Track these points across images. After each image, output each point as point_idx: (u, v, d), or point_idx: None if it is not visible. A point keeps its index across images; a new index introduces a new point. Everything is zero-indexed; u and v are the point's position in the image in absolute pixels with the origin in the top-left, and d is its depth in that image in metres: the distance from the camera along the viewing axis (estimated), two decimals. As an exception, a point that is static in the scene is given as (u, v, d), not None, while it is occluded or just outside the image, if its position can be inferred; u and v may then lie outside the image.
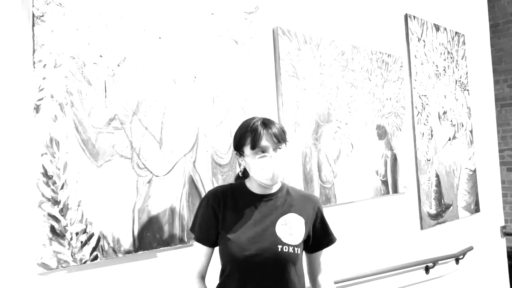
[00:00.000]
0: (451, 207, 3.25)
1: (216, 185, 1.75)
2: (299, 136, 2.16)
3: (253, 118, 1.44)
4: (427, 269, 2.89)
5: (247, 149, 1.39)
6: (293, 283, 1.39)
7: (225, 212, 1.40)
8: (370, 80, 2.63)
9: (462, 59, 3.57)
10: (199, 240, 1.42)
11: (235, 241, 1.36)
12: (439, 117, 3.25)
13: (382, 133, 2.70)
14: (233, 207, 1.41)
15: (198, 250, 1.42)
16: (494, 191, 3.85)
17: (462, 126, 3.50)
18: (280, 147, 1.40)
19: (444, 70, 3.35)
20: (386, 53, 2.77)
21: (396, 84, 2.84)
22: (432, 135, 3.15)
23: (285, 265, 1.37)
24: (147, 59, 1.59)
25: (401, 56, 2.90)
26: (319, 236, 1.51)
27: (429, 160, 3.09)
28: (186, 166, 1.66)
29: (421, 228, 2.95)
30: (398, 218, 2.77)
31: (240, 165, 1.46)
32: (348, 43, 2.49)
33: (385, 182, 2.66)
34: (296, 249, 1.39)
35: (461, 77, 3.54)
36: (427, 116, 3.12)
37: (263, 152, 1.37)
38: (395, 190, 2.74)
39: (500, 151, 5.49)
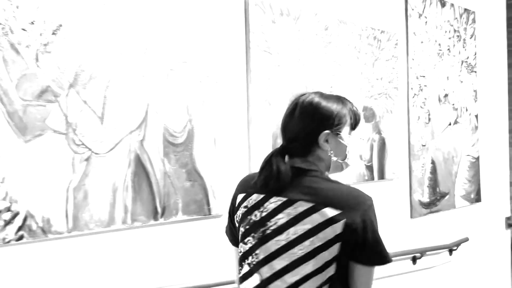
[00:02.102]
0: (447, 196, 3.08)
1: (168, 165, 1.65)
2: (270, 115, 2.02)
3: (337, 95, 1.35)
4: (414, 260, 2.75)
5: (348, 130, 1.27)
6: None
7: None
8: (358, 58, 2.46)
9: (471, 38, 3.33)
10: None
11: None
12: (439, 100, 3.05)
13: (369, 115, 2.53)
14: None
15: None
16: (500, 181, 3.64)
17: (466, 110, 3.28)
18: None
19: (448, 49, 3.13)
20: (379, 30, 2.57)
21: (390, 63, 2.65)
22: (429, 119, 2.96)
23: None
24: (88, 26, 1.47)
25: (396, 33, 2.70)
26: None
27: (425, 145, 2.91)
28: (133, 144, 1.56)
29: (411, 217, 2.80)
30: (384, 206, 2.62)
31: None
32: (333, 17, 2.32)
33: (369, 168, 2.51)
34: None
35: (468, 57, 3.30)
36: (425, 98, 2.93)
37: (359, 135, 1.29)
38: (382, 176, 2.58)
39: (515, 138, 5.21)
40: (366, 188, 2.53)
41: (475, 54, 3.37)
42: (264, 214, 1.19)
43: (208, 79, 1.78)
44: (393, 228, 2.68)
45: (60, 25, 1.41)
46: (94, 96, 1.48)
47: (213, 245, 1.82)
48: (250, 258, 1.21)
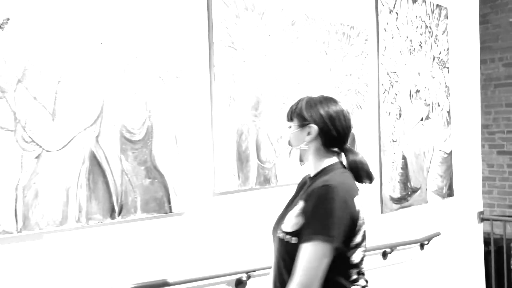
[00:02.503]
0: (418, 191, 3.10)
1: (125, 163, 1.62)
2: (234, 112, 2.00)
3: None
4: (384, 255, 2.77)
5: None
6: (281, 275, 1.35)
7: None
8: (327, 54, 2.45)
9: (443, 34, 3.35)
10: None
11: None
12: (411, 96, 3.06)
13: (339, 111, 2.52)
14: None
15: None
16: (473, 175, 3.67)
17: (438, 106, 3.30)
18: (289, 125, 1.44)
19: (420, 45, 3.14)
20: (348, 25, 2.57)
21: (359, 59, 2.64)
22: (400, 115, 2.97)
23: (283, 253, 1.34)
24: (39, 19, 1.43)
25: (366, 29, 2.70)
26: (302, 227, 1.30)
27: (395, 141, 2.92)
28: (87, 141, 1.52)
29: (382, 212, 2.81)
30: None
31: None
32: (301, 13, 2.30)
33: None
34: (285, 236, 1.32)
35: (440, 53, 3.32)
36: (396, 94, 2.94)
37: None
38: (352, 172, 2.58)
39: (490, 133, 5.28)
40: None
41: (447, 50, 3.39)
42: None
43: (168, 74, 1.75)
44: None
45: (8, 19, 1.37)
46: (45, 92, 1.44)
47: (175, 244, 1.80)
48: (361, 265, 1.36)
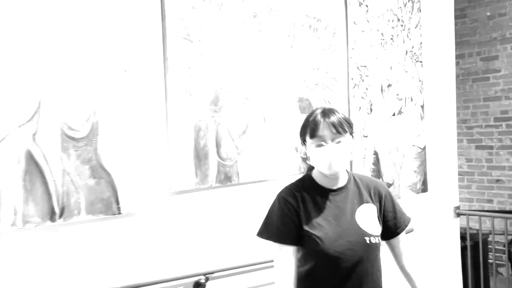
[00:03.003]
0: (391, 187, 3.04)
1: (67, 162, 1.52)
2: (191, 107, 1.91)
3: (318, 107, 1.51)
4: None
5: (307, 139, 1.44)
6: (378, 271, 1.48)
7: (305, 207, 1.43)
8: (292, 47, 2.37)
9: (416, 27, 3.29)
10: (283, 240, 1.40)
11: (324, 237, 1.38)
12: (382, 90, 3.00)
13: (306, 106, 2.45)
14: (311, 202, 1.44)
15: (284, 253, 1.40)
16: (449, 170, 3.64)
17: (412, 100, 3.25)
18: (339, 137, 1.41)
19: (391, 39, 3.08)
20: (315, 18, 2.49)
21: (327, 53, 2.57)
22: (371, 110, 2.91)
23: (375, 257, 1.45)
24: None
25: (335, 21, 2.63)
26: (394, 220, 1.52)
27: (366, 136, 2.86)
28: (22, 140, 1.43)
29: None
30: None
31: (306, 154, 1.50)
32: (263, 4, 2.22)
33: (306, 160, 2.44)
34: (379, 239, 1.47)
35: (413, 47, 3.27)
36: (366, 89, 2.87)
37: (321, 141, 1.40)
38: (320, 169, 2.51)
39: (469, 128, 5.27)
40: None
41: (421, 43, 3.34)
42: None
43: (115, 68, 1.66)
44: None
45: None
46: (-27, 87, 1.34)
47: (126, 246, 1.71)
48: None
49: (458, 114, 4.62)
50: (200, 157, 1.93)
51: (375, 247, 1.44)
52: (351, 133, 1.47)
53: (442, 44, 3.56)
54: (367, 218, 1.46)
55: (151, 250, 1.78)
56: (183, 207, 1.89)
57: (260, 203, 2.21)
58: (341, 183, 1.48)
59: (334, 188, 1.47)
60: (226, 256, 2.00)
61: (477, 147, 5.27)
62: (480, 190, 5.24)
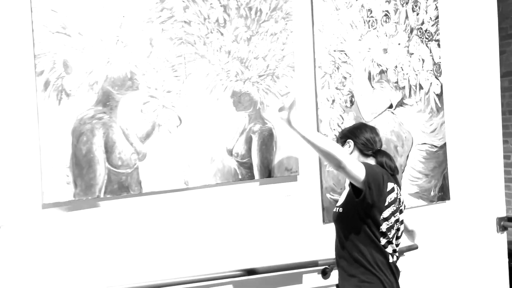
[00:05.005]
0: (385, 195, 2.52)
1: None
2: (69, 109, 1.72)
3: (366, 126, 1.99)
4: (324, 273, 2.28)
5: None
6: (341, 243, 1.81)
7: None
8: (222, 34, 2.04)
9: (428, -1, 2.69)
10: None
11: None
12: (371, 78, 2.49)
13: (244, 102, 2.10)
14: None
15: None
16: (489, 174, 2.93)
17: (422, 88, 2.67)
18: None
19: (386, 15, 2.54)
20: (256, -3, 2.12)
21: (279, 38, 2.18)
22: (352, 102, 2.43)
23: (342, 226, 1.81)
24: None
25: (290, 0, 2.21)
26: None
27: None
28: None
29: (324, 222, 2.31)
30: (275, 210, 2.19)
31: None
32: (176, -14, 1.93)
33: (245, 164, 2.09)
34: (341, 209, 1.82)
35: (423, 23, 2.67)
36: (344, 78, 2.40)
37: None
38: (268, 174, 2.15)
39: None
40: (242, 190, 2.08)
41: (436, 18, 2.72)
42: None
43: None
44: (299, 235, 2.24)
45: None
46: None
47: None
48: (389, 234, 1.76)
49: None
50: (81, 165, 1.72)
51: (339, 216, 1.82)
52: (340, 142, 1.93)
53: (474, 17, 2.85)
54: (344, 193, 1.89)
55: (17, 269, 1.63)
56: (59, 221, 1.70)
57: (174, 215, 1.93)
58: None
59: None
60: (106, 274, 1.77)
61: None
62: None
